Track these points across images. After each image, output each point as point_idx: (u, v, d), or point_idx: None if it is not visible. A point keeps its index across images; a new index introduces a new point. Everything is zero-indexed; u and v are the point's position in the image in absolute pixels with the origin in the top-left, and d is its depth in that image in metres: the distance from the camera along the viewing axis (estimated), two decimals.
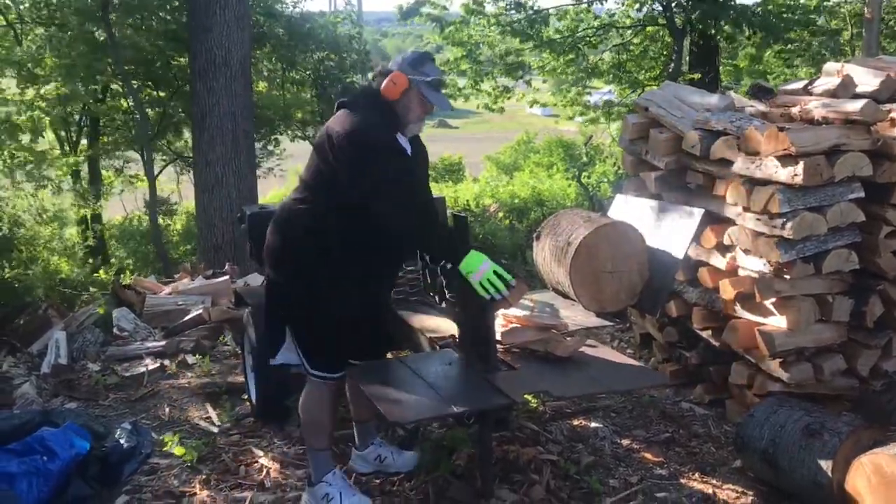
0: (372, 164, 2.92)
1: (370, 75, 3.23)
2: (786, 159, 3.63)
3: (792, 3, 11.33)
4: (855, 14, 12.59)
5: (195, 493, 3.44)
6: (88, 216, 13.18)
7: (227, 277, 6.57)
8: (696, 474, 3.59)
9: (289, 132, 14.45)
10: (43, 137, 12.67)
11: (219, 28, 8.50)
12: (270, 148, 14.75)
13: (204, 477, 3.58)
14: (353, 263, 3.07)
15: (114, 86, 12.65)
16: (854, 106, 3.72)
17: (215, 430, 4.13)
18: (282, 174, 16.18)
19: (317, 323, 3.11)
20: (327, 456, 3.32)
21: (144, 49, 11.59)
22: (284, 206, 3.21)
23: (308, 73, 13.51)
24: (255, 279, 6.44)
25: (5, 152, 11.20)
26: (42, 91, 11.10)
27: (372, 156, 2.93)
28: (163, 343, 5.48)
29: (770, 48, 12.02)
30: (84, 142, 13.69)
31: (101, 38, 11.13)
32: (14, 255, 8.11)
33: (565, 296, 3.89)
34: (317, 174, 3.08)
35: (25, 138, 11.43)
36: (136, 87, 11.85)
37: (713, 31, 10.61)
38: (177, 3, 11.47)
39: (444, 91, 3.21)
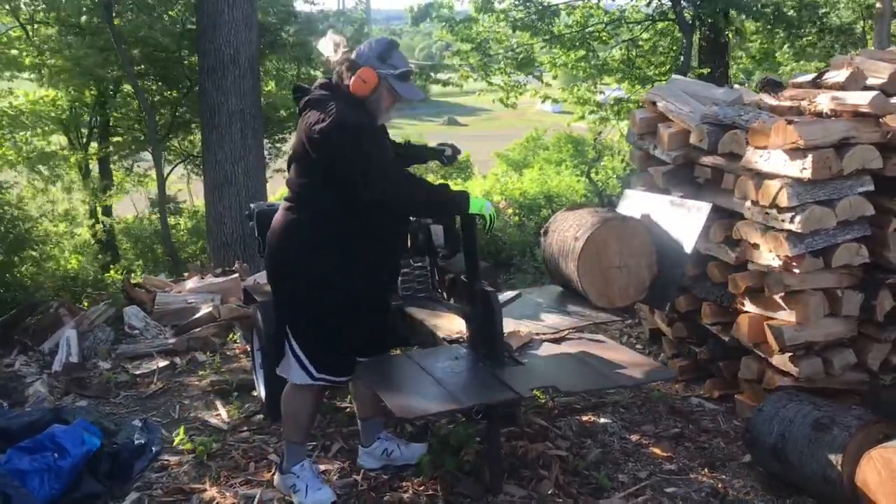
0: (366, 149, 2.89)
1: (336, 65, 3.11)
2: (794, 153, 3.62)
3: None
4: (867, 7, 12.49)
5: (205, 490, 3.45)
6: (98, 208, 13.25)
7: (236, 275, 6.59)
8: (706, 469, 3.58)
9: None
10: (49, 141, 12.81)
11: (227, 26, 8.53)
12: (280, 147, 14.79)
13: (214, 474, 3.59)
14: (350, 256, 3.06)
15: (125, 86, 12.72)
16: (863, 98, 3.70)
17: (225, 427, 4.15)
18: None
19: (320, 321, 3.10)
20: (300, 449, 3.36)
21: (155, 47, 11.64)
22: (276, 220, 3.17)
23: (319, 70, 13.53)
24: (265, 277, 6.46)
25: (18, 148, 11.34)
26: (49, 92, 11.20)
27: (363, 141, 2.90)
28: (173, 341, 5.51)
29: (780, 40, 11.94)
30: (94, 144, 13.76)
31: (106, 36, 11.16)
32: (26, 253, 8.16)
33: (574, 291, 3.89)
34: (301, 178, 3.06)
35: (37, 140, 11.58)
36: (145, 86, 11.91)
37: (721, 25, 10.55)
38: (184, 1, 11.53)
39: (413, 80, 3.15)
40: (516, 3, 11.80)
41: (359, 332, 3.16)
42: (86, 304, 6.85)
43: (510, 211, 11.36)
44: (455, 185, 15.20)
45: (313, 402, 3.30)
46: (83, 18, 11.46)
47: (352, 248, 3.05)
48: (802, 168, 3.56)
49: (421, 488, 3.32)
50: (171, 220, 14.02)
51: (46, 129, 12.89)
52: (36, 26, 12.21)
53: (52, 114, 12.72)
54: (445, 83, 13.10)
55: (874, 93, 3.70)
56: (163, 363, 5.15)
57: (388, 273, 3.37)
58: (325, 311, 3.10)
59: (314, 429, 3.94)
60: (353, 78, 2.98)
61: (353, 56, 3.04)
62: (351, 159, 2.89)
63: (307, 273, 3.08)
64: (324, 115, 2.93)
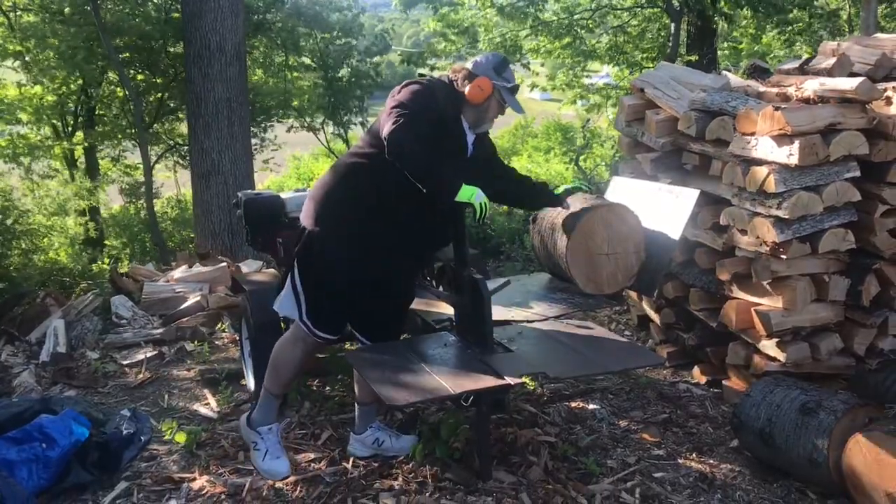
0: (414, 104, 2.98)
1: (453, 72, 3.29)
2: (781, 139, 3.63)
3: None
4: None
5: (194, 479, 3.45)
6: (86, 209, 13.16)
7: (224, 264, 6.55)
8: (694, 454, 3.60)
9: (284, 121, 14.45)
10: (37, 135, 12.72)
11: (213, 14, 8.46)
12: (267, 136, 14.73)
13: (203, 463, 3.59)
14: (390, 228, 3.10)
15: (110, 74, 12.61)
16: (849, 84, 3.71)
17: (214, 416, 4.15)
18: (277, 165, 16.20)
19: (332, 277, 3.15)
20: (275, 405, 3.43)
21: (139, 36, 11.54)
22: (341, 159, 3.30)
23: (308, 56, 13.47)
24: (251, 265, 6.45)
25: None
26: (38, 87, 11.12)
27: (420, 101, 3.01)
28: (161, 330, 5.48)
29: (769, 27, 11.96)
30: (80, 134, 13.64)
31: (90, 26, 11.05)
32: (15, 244, 8.10)
33: (562, 278, 3.89)
34: (375, 131, 3.13)
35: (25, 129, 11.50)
36: (131, 74, 11.81)
37: (711, 12, 10.55)
38: None
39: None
40: None
41: (352, 305, 3.21)
42: (73, 294, 6.79)
43: None
44: None
45: (301, 359, 3.35)
46: (66, 10, 11.33)
47: (388, 220, 3.11)
48: (789, 154, 3.58)
49: (411, 475, 3.33)
50: (159, 209, 13.95)
51: (32, 120, 12.78)
52: (18, 13, 12.08)
53: (42, 104, 12.60)
54: (432, 69, 13.08)
55: (860, 79, 3.71)
56: (151, 353, 5.13)
57: (412, 266, 3.39)
58: (337, 272, 3.13)
59: (304, 417, 3.95)
60: (469, 86, 3.15)
61: (470, 67, 3.23)
62: (399, 101, 3.00)
63: (336, 224, 3.14)
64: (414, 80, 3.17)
